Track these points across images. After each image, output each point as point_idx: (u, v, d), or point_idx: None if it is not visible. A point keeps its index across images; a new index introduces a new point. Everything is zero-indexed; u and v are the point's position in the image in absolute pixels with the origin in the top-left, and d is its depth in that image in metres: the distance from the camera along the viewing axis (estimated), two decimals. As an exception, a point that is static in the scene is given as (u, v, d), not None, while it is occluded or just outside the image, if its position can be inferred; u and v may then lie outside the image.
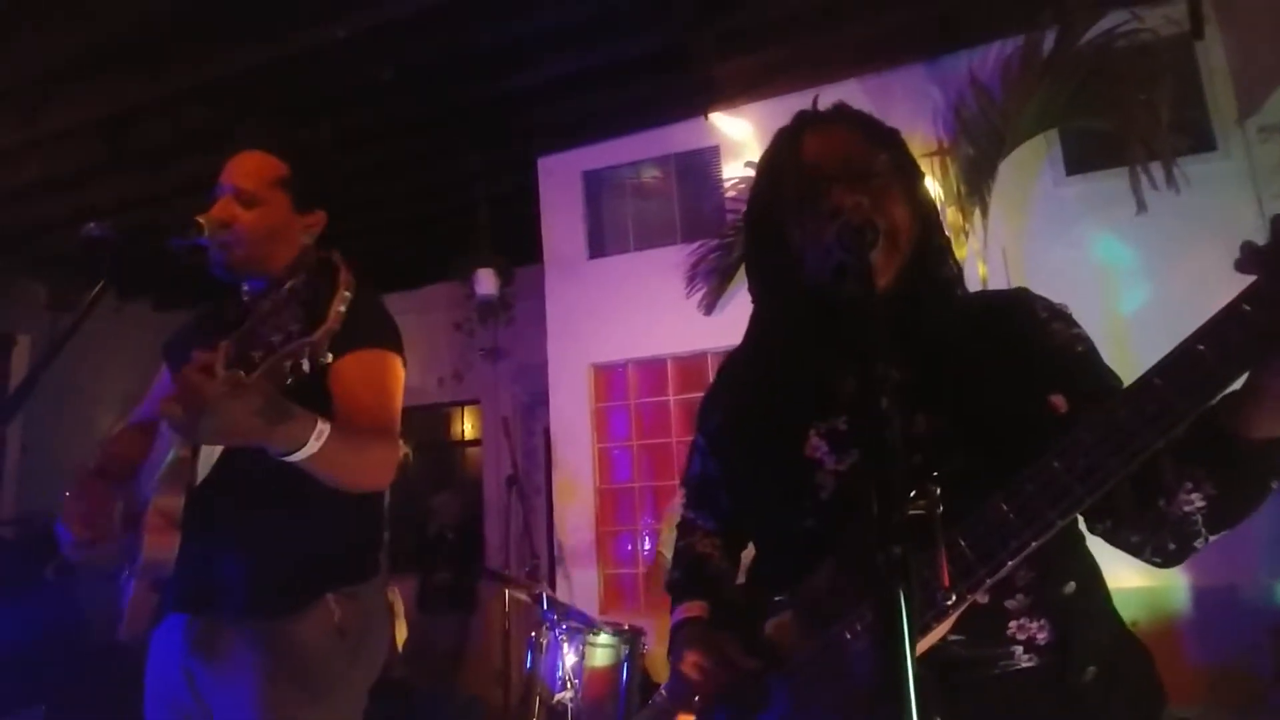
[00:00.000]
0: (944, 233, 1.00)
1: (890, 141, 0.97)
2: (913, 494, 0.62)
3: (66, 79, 3.64)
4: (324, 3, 3.26)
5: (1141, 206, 3.22)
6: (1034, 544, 0.72)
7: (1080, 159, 3.82)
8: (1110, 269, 3.63)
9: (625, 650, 3.03)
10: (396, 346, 1.41)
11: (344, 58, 3.49)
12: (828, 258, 0.85)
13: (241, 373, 1.03)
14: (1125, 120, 3.28)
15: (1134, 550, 0.82)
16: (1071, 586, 0.82)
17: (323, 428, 1.11)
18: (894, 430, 0.65)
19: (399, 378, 1.40)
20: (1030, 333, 0.90)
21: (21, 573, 4.96)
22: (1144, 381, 0.70)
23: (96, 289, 1.27)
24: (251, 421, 1.03)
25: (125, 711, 1.55)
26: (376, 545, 1.47)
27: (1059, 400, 0.83)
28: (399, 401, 1.38)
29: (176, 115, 3.92)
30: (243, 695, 1.28)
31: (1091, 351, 0.90)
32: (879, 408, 0.66)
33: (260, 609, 1.31)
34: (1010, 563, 0.73)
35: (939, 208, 1.03)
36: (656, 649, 3.24)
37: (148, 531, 1.21)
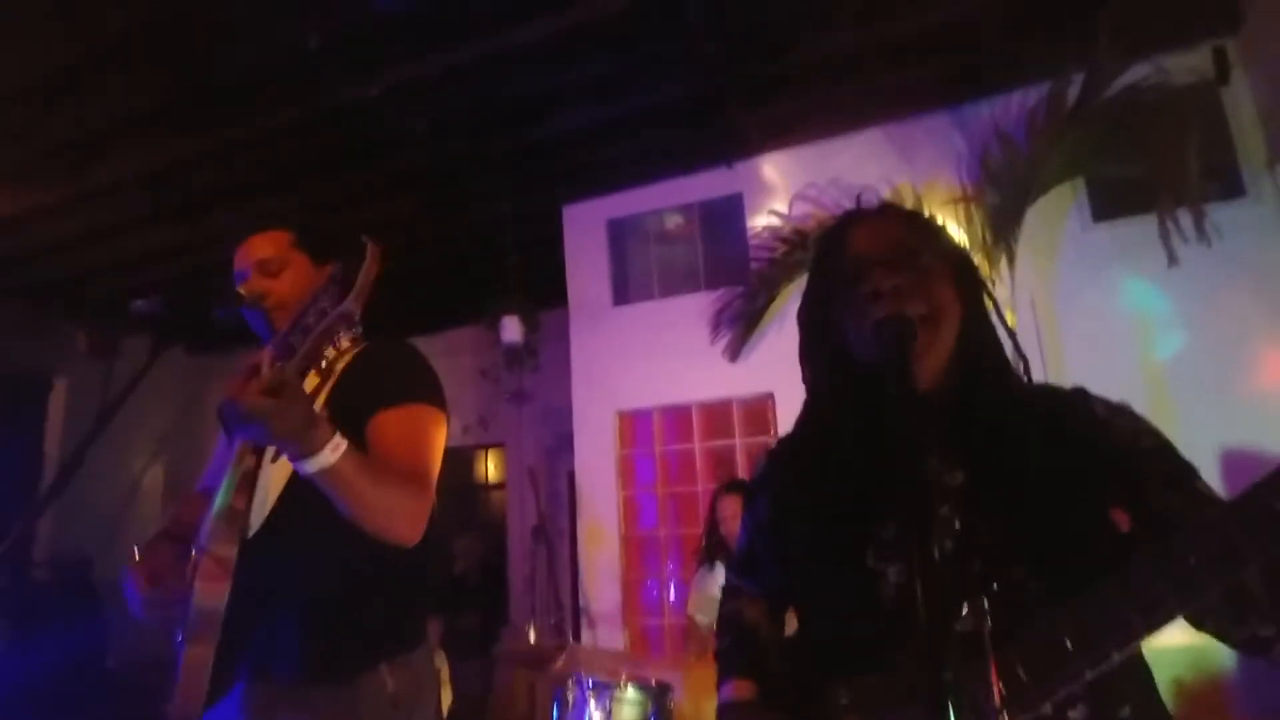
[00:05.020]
0: (994, 319, 0.98)
1: (934, 230, 0.98)
2: (963, 610, 0.61)
3: (114, 136, 3.78)
4: (359, 62, 3.37)
5: (1172, 259, 3.16)
6: (1089, 674, 0.71)
7: (1107, 205, 3.80)
8: (1142, 314, 3.58)
9: (653, 706, 2.97)
10: (438, 400, 1.42)
11: (378, 112, 3.60)
12: (870, 345, 0.85)
13: (281, 365, 1.06)
14: (1154, 167, 3.26)
15: (1261, 647, 0.76)
16: (1127, 711, 0.80)
17: (340, 441, 1.12)
18: (941, 541, 0.64)
19: (440, 432, 1.40)
20: (1091, 435, 0.86)
21: (55, 611, 5.04)
22: (1211, 520, 0.69)
23: (150, 359, 1.33)
24: (290, 424, 1.06)
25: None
26: (423, 610, 1.47)
27: (1121, 516, 0.81)
28: (437, 455, 1.38)
29: (216, 169, 4.06)
30: None
31: (1161, 447, 0.86)
32: (925, 516, 0.65)
33: (316, 675, 1.30)
34: (1064, 690, 0.72)
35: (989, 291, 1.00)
36: (684, 704, 3.18)
37: (200, 579, 1.20)
